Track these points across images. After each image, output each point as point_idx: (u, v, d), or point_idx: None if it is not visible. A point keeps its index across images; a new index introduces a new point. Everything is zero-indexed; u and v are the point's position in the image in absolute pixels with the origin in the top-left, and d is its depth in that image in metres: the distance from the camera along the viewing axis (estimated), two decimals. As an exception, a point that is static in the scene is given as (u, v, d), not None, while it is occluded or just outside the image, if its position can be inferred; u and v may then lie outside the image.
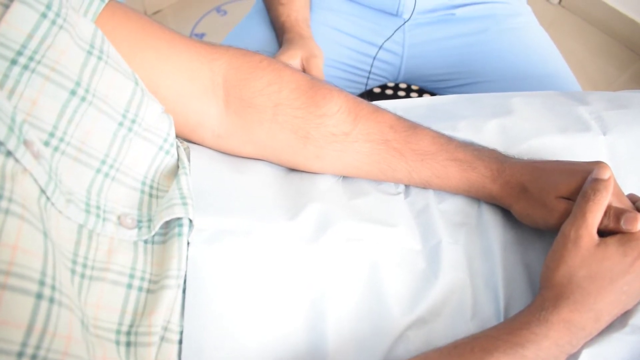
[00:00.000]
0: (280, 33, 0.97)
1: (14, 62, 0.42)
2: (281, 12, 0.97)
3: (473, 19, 1.05)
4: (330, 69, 1.04)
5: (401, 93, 1.19)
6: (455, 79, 1.06)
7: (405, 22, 1.03)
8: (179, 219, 0.51)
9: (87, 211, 0.47)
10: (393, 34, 1.03)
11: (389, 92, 1.19)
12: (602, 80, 1.86)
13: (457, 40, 1.05)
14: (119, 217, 0.50)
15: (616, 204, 0.54)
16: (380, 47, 1.04)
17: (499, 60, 1.02)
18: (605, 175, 0.53)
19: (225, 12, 2.04)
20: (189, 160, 0.58)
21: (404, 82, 1.14)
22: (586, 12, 2.00)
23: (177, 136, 0.60)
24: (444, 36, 1.05)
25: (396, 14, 1.03)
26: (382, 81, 1.12)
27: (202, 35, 1.95)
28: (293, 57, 0.88)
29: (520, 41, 1.04)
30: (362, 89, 1.10)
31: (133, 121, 0.51)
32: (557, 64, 1.02)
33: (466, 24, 1.05)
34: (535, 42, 1.05)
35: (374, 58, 1.05)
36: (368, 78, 1.07)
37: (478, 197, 0.63)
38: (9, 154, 0.38)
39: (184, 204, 0.51)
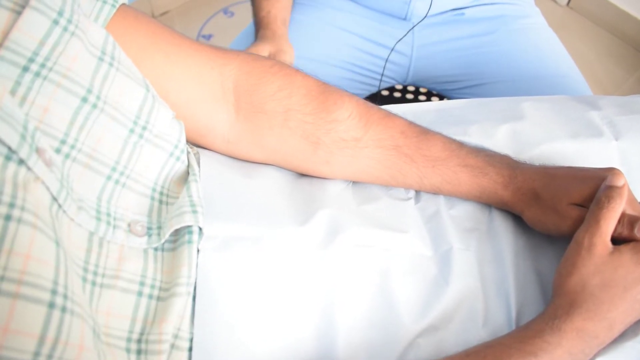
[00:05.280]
0: (257, 28, 0.97)
1: (25, 69, 0.42)
2: (263, 7, 0.97)
3: (482, 20, 1.05)
4: (337, 69, 1.03)
5: (409, 95, 1.19)
6: (464, 80, 1.06)
7: (414, 27, 1.02)
8: (188, 226, 0.51)
9: (98, 218, 0.47)
10: (404, 36, 1.03)
11: (397, 94, 1.18)
12: (610, 82, 1.85)
13: (466, 41, 1.05)
14: (129, 225, 0.49)
15: (629, 211, 0.54)
16: (392, 49, 1.04)
17: (508, 62, 1.02)
18: (619, 182, 0.53)
19: (232, 14, 2.04)
20: (199, 165, 0.58)
21: (412, 84, 1.14)
22: (594, 14, 1.99)
23: (187, 141, 0.60)
24: (452, 37, 1.05)
25: (405, 18, 1.03)
26: (391, 83, 1.11)
27: (210, 36, 1.95)
28: (261, 52, 0.90)
29: (529, 42, 1.03)
30: (370, 90, 1.10)
31: (144, 128, 0.51)
32: (566, 65, 1.02)
33: (475, 25, 1.05)
34: (544, 43, 1.04)
35: (386, 60, 1.05)
36: (381, 80, 1.07)
37: (489, 203, 0.63)
38: (21, 162, 0.38)
39: (194, 211, 0.51)
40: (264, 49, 0.90)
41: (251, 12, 1.01)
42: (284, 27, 0.97)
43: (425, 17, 1.00)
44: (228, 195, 0.57)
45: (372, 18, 1.05)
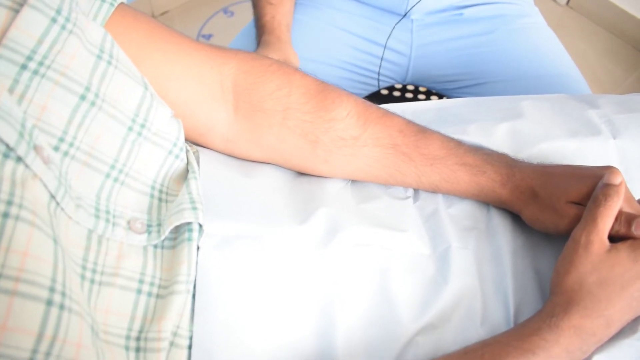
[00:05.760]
0: (260, 33, 0.96)
1: (23, 67, 0.42)
2: (267, 12, 0.95)
3: (481, 20, 1.05)
4: (337, 69, 1.04)
5: (409, 95, 1.19)
6: (464, 80, 1.06)
7: (402, 17, 1.02)
8: (188, 223, 0.51)
9: (97, 216, 0.47)
10: (392, 29, 1.03)
11: (396, 93, 1.18)
12: (609, 81, 1.85)
13: (465, 40, 1.05)
14: (128, 222, 0.49)
15: (627, 209, 0.54)
16: (385, 47, 1.04)
17: (508, 61, 1.02)
18: (616, 180, 0.53)
19: (232, 13, 2.04)
20: (198, 164, 0.58)
21: (411, 83, 1.14)
22: (594, 13, 1.99)
23: (186, 140, 0.60)
24: (452, 37, 1.05)
25: (404, 15, 1.03)
26: (390, 82, 1.11)
27: (210, 36, 1.95)
28: None
29: (528, 41, 1.03)
30: (370, 90, 1.10)
31: (142, 126, 0.51)
32: (566, 65, 1.02)
33: (474, 25, 1.05)
34: (544, 42, 1.04)
35: (382, 59, 1.05)
36: (378, 80, 1.07)
37: (488, 202, 0.63)
38: (19, 159, 0.38)
39: (194, 208, 0.51)
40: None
41: (252, 13, 1.00)
42: (288, 32, 0.96)
43: (416, 4, 1.00)
44: (227, 193, 0.57)
45: (371, 18, 1.05)
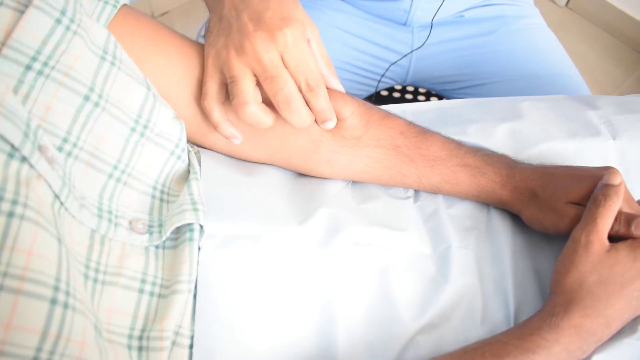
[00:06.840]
0: None
1: (28, 67, 0.42)
2: None
3: (482, 21, 1.05)
4: (337, 70, 1.03)
5: (408, 96, 1.19)
6: (464, 81, 1.06)
7: (412, 51, 1.02)
8: (189, 224, 0.51)
9: (100, 216, 0.47)
10: (411, 53, 1.03)
11: (396, 95, 1.18)
12: (608, 82, 1.85)
13: (466, 41, 1.05)
14: (130, 222, 0.50)
15: (626, 209, 0.54)
16: (400, 59, 1.04)
17: (508, 62, 1.02)
18: (616, 180, 0.53)
19: (232, 14, 2.04)
20: (199, 164, 0.58)
21: (411, 84, 1.14)
22: (593, 15, 1.99)
23: (188, 141, 0.60)
24: (452, 38, 1.05)
25: (405, 24, 1.03)
26: (390, 83, 1.12)
27: (209, 37, 1.95)
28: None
29: (528, 42, 1.03)
30: (369, 91, 1.10)
31: (145, 126, 0.51)
32: (565, 65, 1.02)
33: (475, 26, 1.05)
34: (544, 43, 1.05)
35: (392, 63, 1.05)
36: (379, 81, 1.07)
37: (488, 202, 0.63)
38: (24, 159, 0.38)
39: (195, 209, 0.51)
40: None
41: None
42: None
43: (425, 42, 1.01)
44: (228, 194, 0.57)
45: (372, 20, 1.05)
